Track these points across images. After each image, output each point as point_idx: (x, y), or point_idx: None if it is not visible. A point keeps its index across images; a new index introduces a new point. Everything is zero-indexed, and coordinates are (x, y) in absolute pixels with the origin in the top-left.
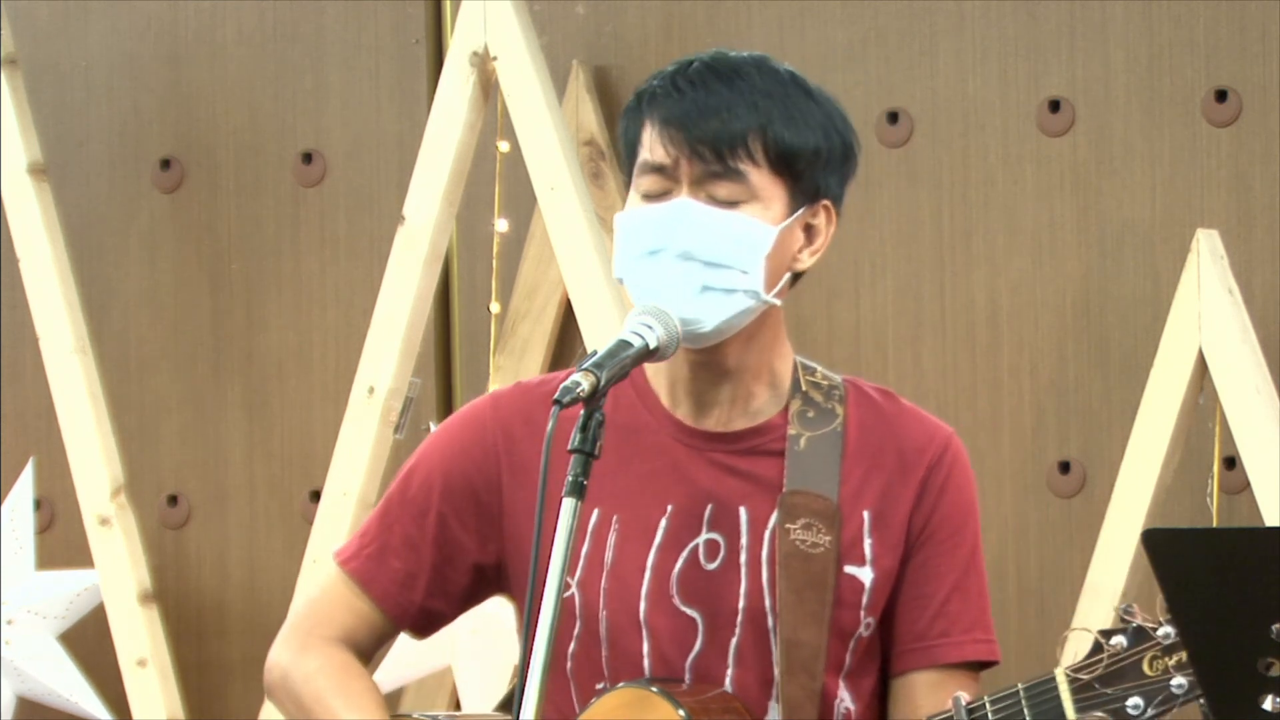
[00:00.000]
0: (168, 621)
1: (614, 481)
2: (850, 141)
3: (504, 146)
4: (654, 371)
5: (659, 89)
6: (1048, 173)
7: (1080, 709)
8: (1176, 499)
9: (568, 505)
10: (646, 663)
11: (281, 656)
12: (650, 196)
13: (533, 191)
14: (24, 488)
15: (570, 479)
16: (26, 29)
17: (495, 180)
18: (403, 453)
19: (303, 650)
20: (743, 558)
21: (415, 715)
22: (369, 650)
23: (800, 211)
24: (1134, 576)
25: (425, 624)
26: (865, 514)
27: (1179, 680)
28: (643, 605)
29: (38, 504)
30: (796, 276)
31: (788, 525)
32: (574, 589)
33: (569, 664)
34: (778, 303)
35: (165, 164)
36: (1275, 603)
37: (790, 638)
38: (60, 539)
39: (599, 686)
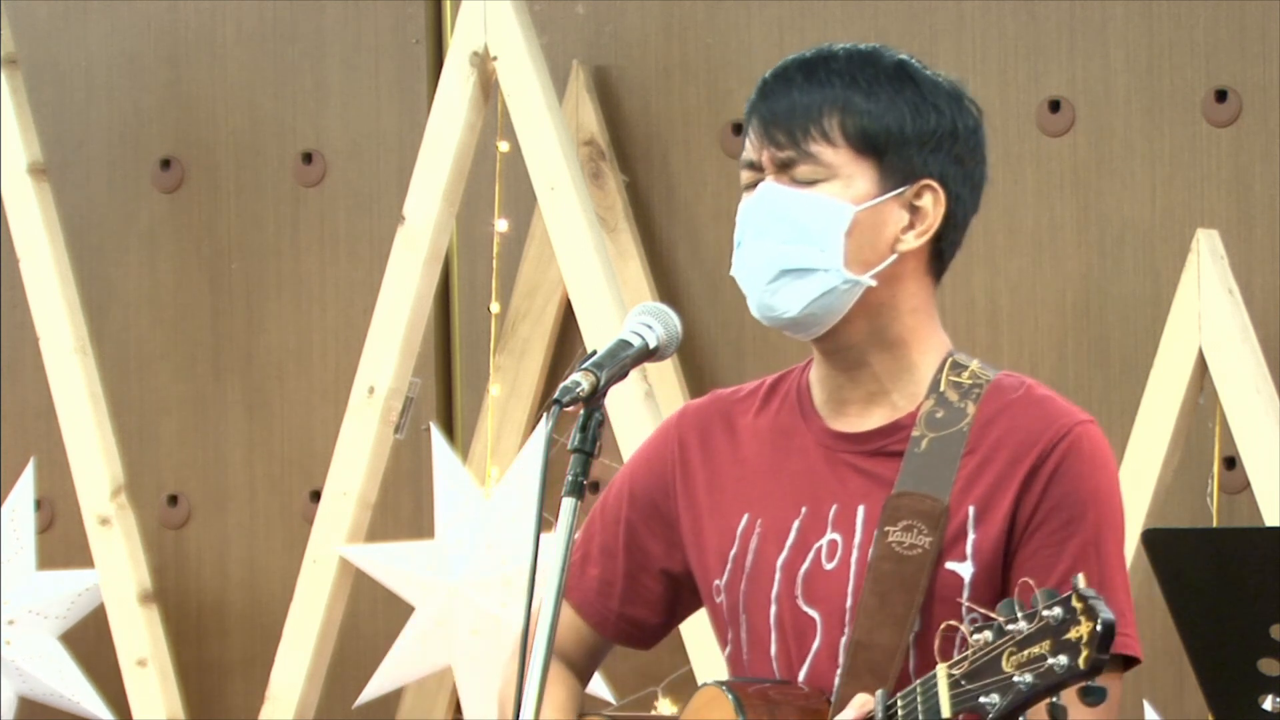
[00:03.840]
0: (168, 621)
1: (762, 485)
2: (960, 122)
3: (504, 146)
4: (813, 373)
5: (755, 92)
6: (1048, 173)
7: (955, 704)
8: (1176, 499)
9: (567, 505)
10: (774, 665)
11: (506, 669)
12: (748, 189)
13: (533, 191)
14: (24, 488)
15: (570, 478)
16: (26, 29)
17: (495, 180)
18: (403, 453)
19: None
20: (854, 556)
21: (609, 715)
22: (578, 657)
23: (897, 192)
24: (1134, 576)
25: (631, 632)
26: (970, 509)
27: (1024, 678)
28: (773, 608)
29: (38, 504)
30: (939, 263)
31: (887, 528)
32: (723, 595)
33: (729, 668)
34: (871, 283)
35: (165, 164)
36: (1275, 603)
37: (861, 640)
38: (60, 539)
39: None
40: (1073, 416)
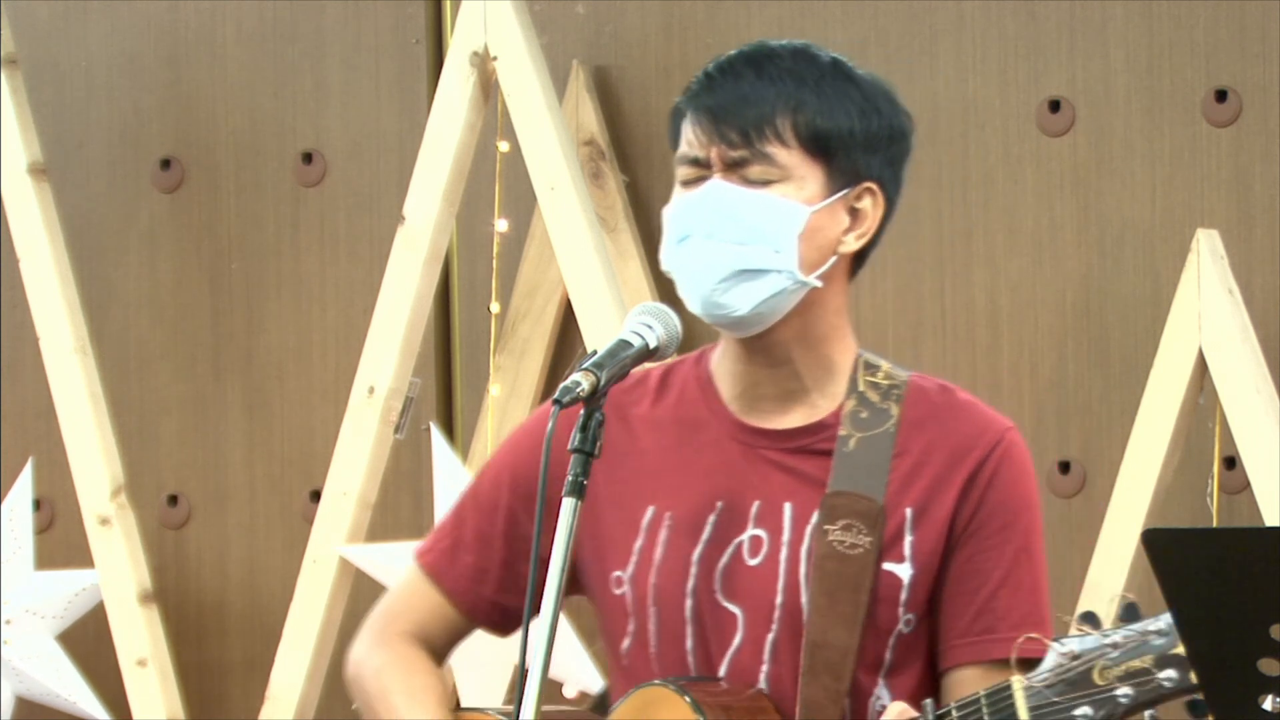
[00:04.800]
0: (168, 621)
1: (670, 478)
2: (897, 124)
3: (504, 146)
4: (718, 365)
5: (695, 84)
6: (1048, 173)
7: (1034, 715)
8: (1176, 499)
9: (567, 505)
10: (691, 659)
11: (357, 651)
12: (687, 184)
13: (533, 191)
14: (24, 488)
15: (570, 478)
16: (26, 29)
17: (495, 180)
18: (403, 453)
19: (375, 645)
20: (783, 554)
21: (482, 709)
22: (442, 645)
23: (841, 194)
24: (1134, 576)
25: (500, 620)
26: (907, 510)
27: (1125, 690)
28: (688, 601)
29: (37, 504)
30: (858, 264)
31: (826, 527)
32: (626, 586)
33: (624, 661)
34: (818, 284)
35: (165, 164)
36: (1275, 603)
37: (817, 639)
38: (60, 539)
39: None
40: (1001, 423)
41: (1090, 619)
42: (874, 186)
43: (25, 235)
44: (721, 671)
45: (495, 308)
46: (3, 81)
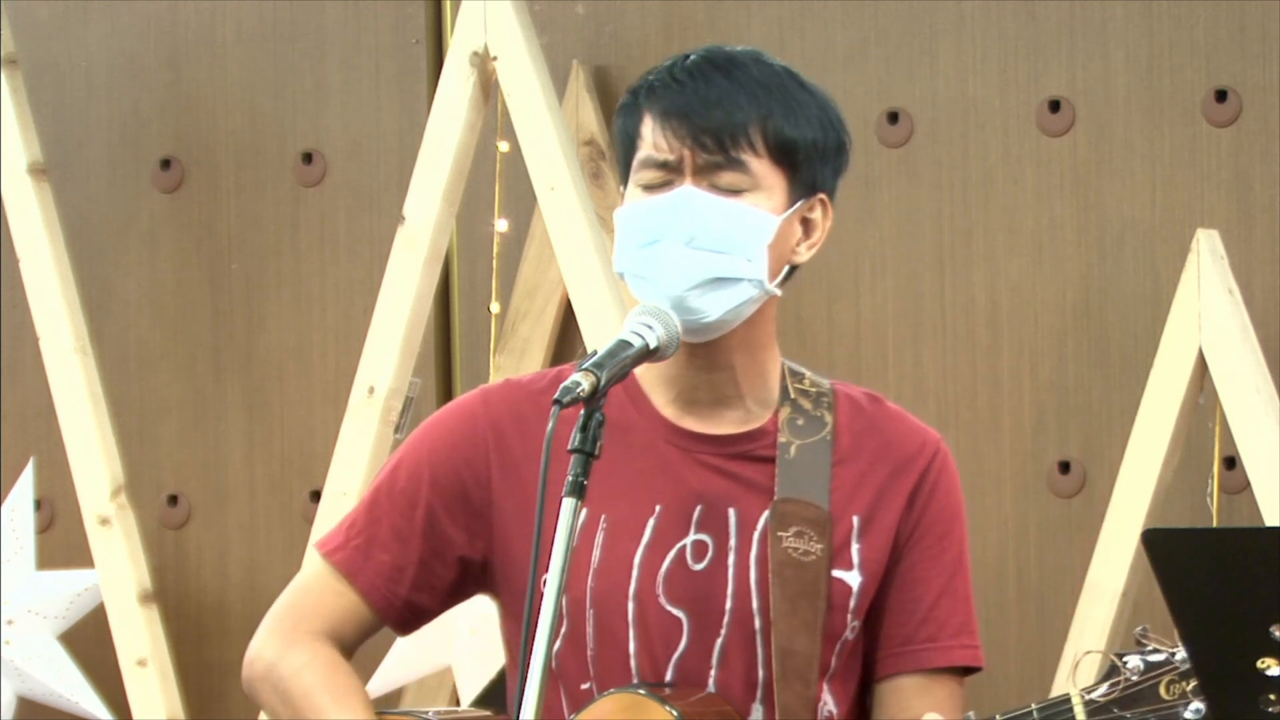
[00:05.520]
0: (168, 621)
1: (603, 481)
2: (843, 137)
3: (504, 146)
4: (643, 369)
5: (657, 82)
6: (1048, 173)
7: None
8: (1176, 499)
9: (567, 505)
10: (633, 662)
11: (265, 650)
12: (651, 188)
13: (533, 191)
14: (24, 488)
15: (570, 479)
16: (26, 29)
17: (495, 180)
18: None
19: (289, 644)
20: (731, 559)
21: (403, 712)
22: (353, 644)
23: (799, 204)
24: (1134, 576)
25: (410, 618)
26: (854, 519)
27: (1195, 705)
28: (630, 605)
29: (38, 504)
30: (792, 272)
31: (780, 533)
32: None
33: (555, 663)
34: (778, 293)
35: (165, 164)
36: (1275, 603)
37: (785, 646)
38: (60, 539)
39: (584, 686)
40: (934, 434)
41: (1146, 635)
42: (825, 198)
43: (25, 235)
44: (668, 676)
45: (495, 308)
46: (3, 81)
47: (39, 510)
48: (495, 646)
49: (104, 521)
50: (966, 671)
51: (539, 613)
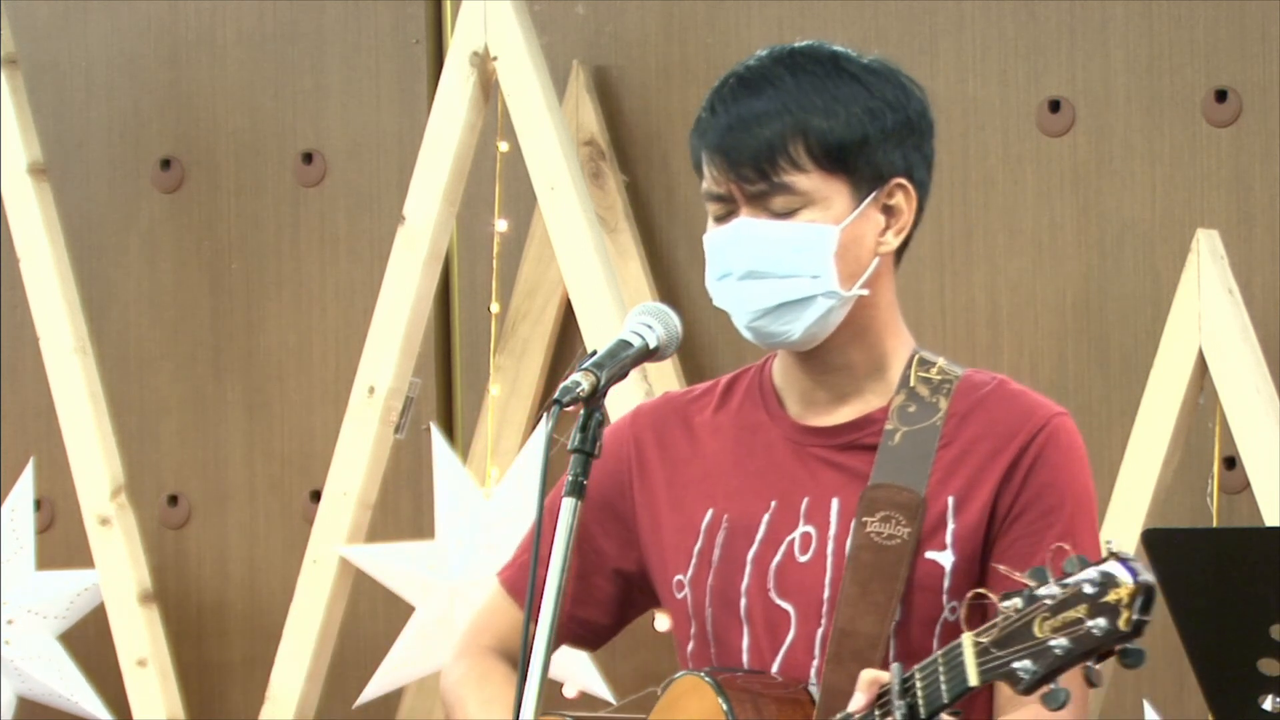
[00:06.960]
0: (168, 621)
1: (727, 481)
2: (910, 112)
3: (504, 146)
4: (778, 371)
5: (703, 113)
6: (1048, 173)
7: (984, 673)
8: (1176, 499)
9: (567, 505)
10: (745, 657)
11: (445, 664)
12: (719, 219)
13: (533, 191)
14: (24, 488)
15: (570, 479)
16: (26, 29)
17: (495, 180)
18: (403, 453)
19: (457, 658)
20: (829, 549)
21: (562, 715)
22: None
23: (867, 200)
24: None
25: (582, 634)
26: (949, 499)
27: (1060, 641)
28: (743, 601)
29: (38, 504)
30: (899, 253)
31: (865, 519)
32: (686, 589)
33: (690, 665)
34: (864, 292)
35: (165, 164)
36: (1275, 603)
37: (844, 628)
38: (60, 539)
39: None
40: (1048, 409)
41: (1039, 575)
42: (903, 180)
43: (25, 235)
44: (775, 669)
45: (495, 308)
46: (3, 81)
47: (39, 510)
48: None
49: (104, 521)
50: None
51: (539, 613)
